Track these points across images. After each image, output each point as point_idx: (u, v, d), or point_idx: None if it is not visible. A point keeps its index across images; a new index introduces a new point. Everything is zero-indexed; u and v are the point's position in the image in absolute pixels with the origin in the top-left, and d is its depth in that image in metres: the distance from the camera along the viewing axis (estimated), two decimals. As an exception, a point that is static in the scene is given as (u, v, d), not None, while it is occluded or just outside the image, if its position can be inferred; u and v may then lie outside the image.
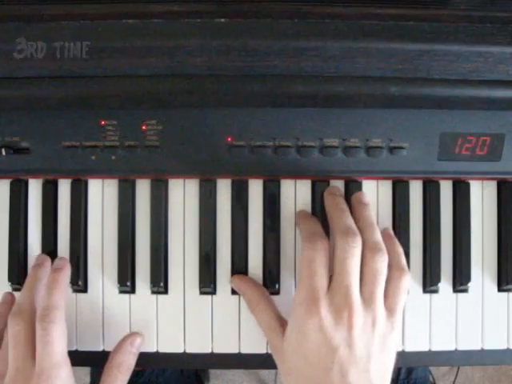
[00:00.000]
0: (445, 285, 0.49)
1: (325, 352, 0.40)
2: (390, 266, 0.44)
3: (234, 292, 0.49)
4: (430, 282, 0.49)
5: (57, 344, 0.42)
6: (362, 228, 0.45)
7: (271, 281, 0.48)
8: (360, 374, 0.40)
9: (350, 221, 0.45)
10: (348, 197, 0.49)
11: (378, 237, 0.44)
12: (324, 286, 0.42)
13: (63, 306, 0.44)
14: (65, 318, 0.44)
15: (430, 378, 0.89)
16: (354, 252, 0.42)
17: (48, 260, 0.48)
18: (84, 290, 0.49)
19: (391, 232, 0.48)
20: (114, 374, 0.45)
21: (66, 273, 0.47)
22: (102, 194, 0.49)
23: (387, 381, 0.42)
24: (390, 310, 0.43)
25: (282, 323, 0.45)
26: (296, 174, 0.48)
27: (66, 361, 0.43)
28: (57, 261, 0.47)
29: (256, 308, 0.46)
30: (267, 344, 0.48)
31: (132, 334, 0.47)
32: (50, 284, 0.45)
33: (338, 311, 0.41)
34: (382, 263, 0.43)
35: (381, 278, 0.43)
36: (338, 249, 0.43)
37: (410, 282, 0.49)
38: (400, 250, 0.46)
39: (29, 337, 0.43)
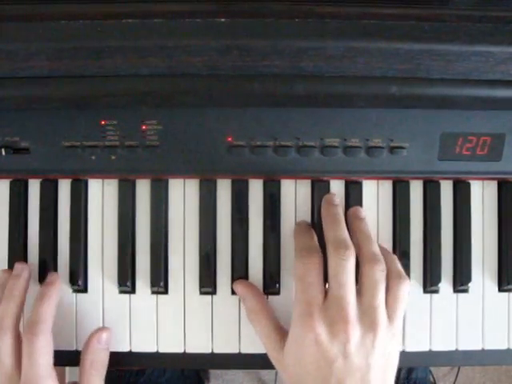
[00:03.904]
0: (445, 285, 0.49)
1: (323, 365, 0.41)
2: (388, 274, 0.44)
3: (234, 292, 0.49)
4: (430, 282, 0.49)
5: (41, 356, 0.43)
6: (360, 241, 0.45)
7: (271, 281, 0.48)
8: None
9: (344, 233, 0.45)
10: (348, 197, 0.49)
11: (376, 248, 0.45)
12: (318, 298, 0.42)
13: (50, 320, 0.45)
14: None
15: (431, 379, 0.89)
16: (346, 265, 0.42)
17: (26, 269, 0.47)
18: (84, 290, 0.49)
19: (381, 244, 0.48)
20: (89, 372, 0.45)
21: (57, 287, 0.47)
22: (101, 194, 0.49)
23: None
24: (389, 317, 0.43)
25: (282, 335, 0.45)
26: (296, 174, 0.48)
27: (52, 373, 0.43)
28: (48, 276, 0.47)
29: (256, 318, 0.46)
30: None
31: (98, 331, 0.47)
32: (40, 297, 0.45)
33: (333, 324, 0.41)
34: (380, 273, 0.43)
35: (380, 289, 0.42)
36: (330, 262, 0.43)
37: (411, 282, 0.48)
38: (394, 257, 0.46)
39: (14, 352, 0.43)
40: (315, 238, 0.47)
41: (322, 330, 0.41)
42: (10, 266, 0.48)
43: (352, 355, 0.40)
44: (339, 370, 0.40)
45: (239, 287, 0.48)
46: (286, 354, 0.43)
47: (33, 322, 0.44)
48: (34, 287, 0.47)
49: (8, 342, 0.43)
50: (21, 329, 0.46)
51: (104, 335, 0.47)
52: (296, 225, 0.49)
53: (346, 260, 0.42)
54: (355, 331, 0.41)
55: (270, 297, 0.48)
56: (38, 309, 0.45)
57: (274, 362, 0.46)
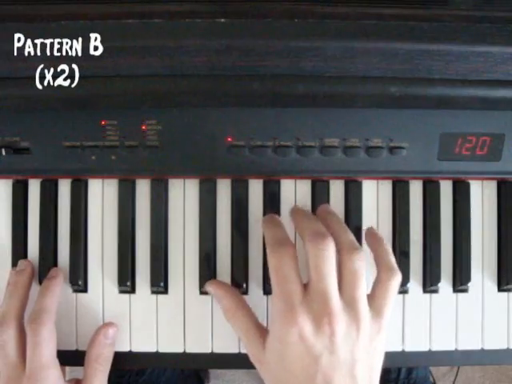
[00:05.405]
0: (445, 285, 0.49)
1: (308, 361, 0.39)
2: (378, 266, 0.43)
3: (234, 292, 0.49)
4: (430, 282, 0.49)
5: (45, 345, 0.43)
6: (335, 231, 0.43)
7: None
8: (345, 380, 0.39)
9: (319, 224, 0.44)
10: (348, 197, 0.49)
11: (351, 237, 0.43)
12: (297, 291, 0.40)
13: (53, 310, 0.45)
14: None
15: (430, 378, 0.89)
16: (325, 255, 0.40)
17: (30, 266, 0.47)
18: (84, 289, 0.49)
19: (375, 230, 0.47)
20: (93, 366, 0.45)
21: (59, 281, 0.47)
22: (102, 194, 0.49)
23: (375, 382, 0.41)
24: (376, 311, 0.41)
25: (262, 332, 0.43)
26: (296, 174, 0.48)
27: (55, 362, 0.44)
28: (51, 271, 0.48)
29: (233, 317, 0.45)
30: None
31: (104, 326, 0.47)
32: (43, 290, 0.46)
33: (318, 319, 0.39)
34: (359, 262, 0.41)
35: (360, 279, 0.41)
36: (309, 255, 0.41)
37: (410, 282, 0.49)
38: (387, 248, 0.44)
39: (18, 344, 0.44)
40: (285, 229, 0.45)
41: (305, 324, 0.39)
42: (14, 265, 0.48)
43: (338, 349, 0.39)
44: (325, 366, 0.39)
45: (211, 287, 0.46)
46: (267, 352, 0.42)
47: (37, 312, 0.44)
48: (34, 287, 0.47)
49: (12, 334, 0.44)
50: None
51: (110, 330, 0.47)
52: (263, 218, 0.47)
53: (326, 250, 0.40)
54: (340, 323, 0.39)
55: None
56: (41, 300, 0.45)
57: (254, 361, 0.44)
